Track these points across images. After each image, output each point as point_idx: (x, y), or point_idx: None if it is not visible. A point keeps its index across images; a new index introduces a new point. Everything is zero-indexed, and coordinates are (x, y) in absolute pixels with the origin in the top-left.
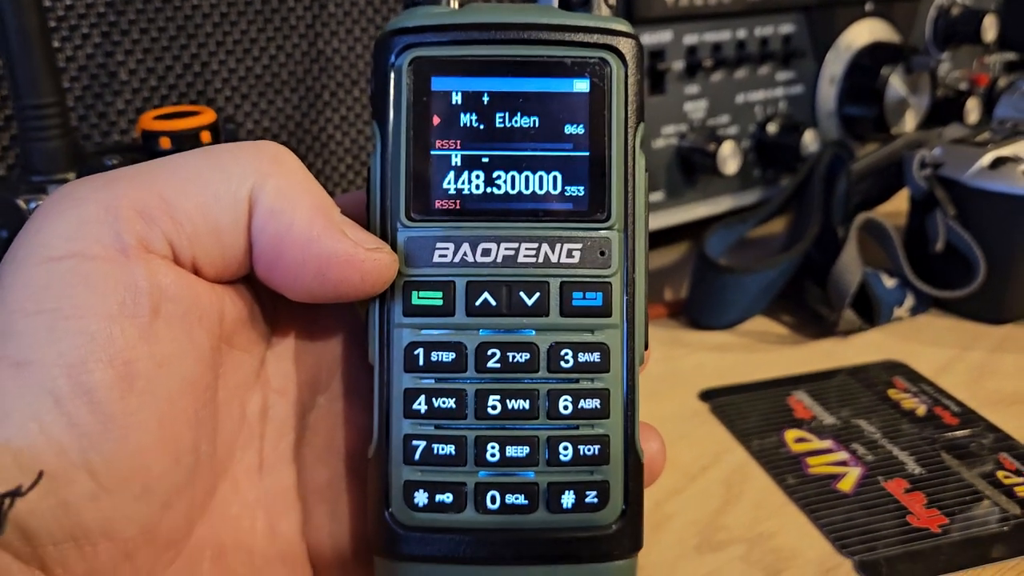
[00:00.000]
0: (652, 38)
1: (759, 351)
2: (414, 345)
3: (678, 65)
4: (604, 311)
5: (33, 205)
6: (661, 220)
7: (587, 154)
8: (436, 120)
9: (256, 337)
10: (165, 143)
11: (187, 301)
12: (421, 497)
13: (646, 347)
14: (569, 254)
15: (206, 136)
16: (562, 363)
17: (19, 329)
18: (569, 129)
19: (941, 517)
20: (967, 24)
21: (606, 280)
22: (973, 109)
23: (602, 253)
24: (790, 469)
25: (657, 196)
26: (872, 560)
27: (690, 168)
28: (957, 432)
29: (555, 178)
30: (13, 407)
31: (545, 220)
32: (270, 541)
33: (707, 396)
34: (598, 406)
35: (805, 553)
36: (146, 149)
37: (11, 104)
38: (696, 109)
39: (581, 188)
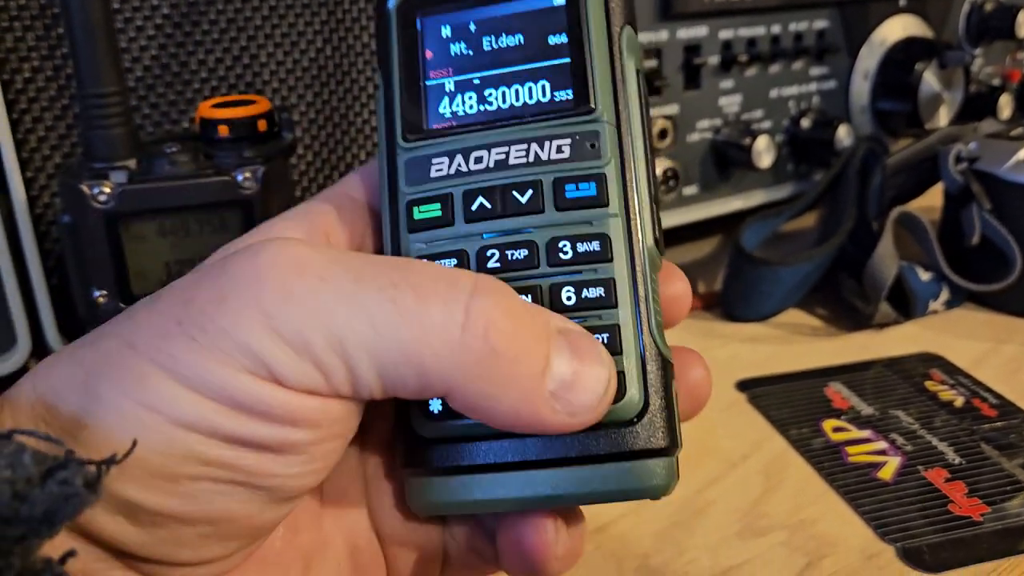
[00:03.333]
0: (688, 33)
1: (794, 343)
2: (419, 258)
3: (713, 60)
4: (599, 201)
5: (96, 191)
6: (695, 213)
7: (569, 60)
8: (429, 54)
9: None
10: (223, 131)
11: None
12: (437, 404)
13: (660, 251)
14: (559, 150)
15: (262, 124)
16: (561, 255)
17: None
18: (552, 40)
19: (983, 506)
20: (1001, 20)
21: (599, 171)
22: (1006, 105)
23: (592, 146)
24: (829, 458)
25: (692, 189)
26: (915, 547)
27: (724, 162)
28: (996, 423)
29: (543, 87)
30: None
31: (532, 121)
32: (339, 518)
33: (744, 386)
34: (602, 294)
35: (847, 540)
36: (204, 137)
37: (75, 92)
38: (731, 104)
39: (568, 91)
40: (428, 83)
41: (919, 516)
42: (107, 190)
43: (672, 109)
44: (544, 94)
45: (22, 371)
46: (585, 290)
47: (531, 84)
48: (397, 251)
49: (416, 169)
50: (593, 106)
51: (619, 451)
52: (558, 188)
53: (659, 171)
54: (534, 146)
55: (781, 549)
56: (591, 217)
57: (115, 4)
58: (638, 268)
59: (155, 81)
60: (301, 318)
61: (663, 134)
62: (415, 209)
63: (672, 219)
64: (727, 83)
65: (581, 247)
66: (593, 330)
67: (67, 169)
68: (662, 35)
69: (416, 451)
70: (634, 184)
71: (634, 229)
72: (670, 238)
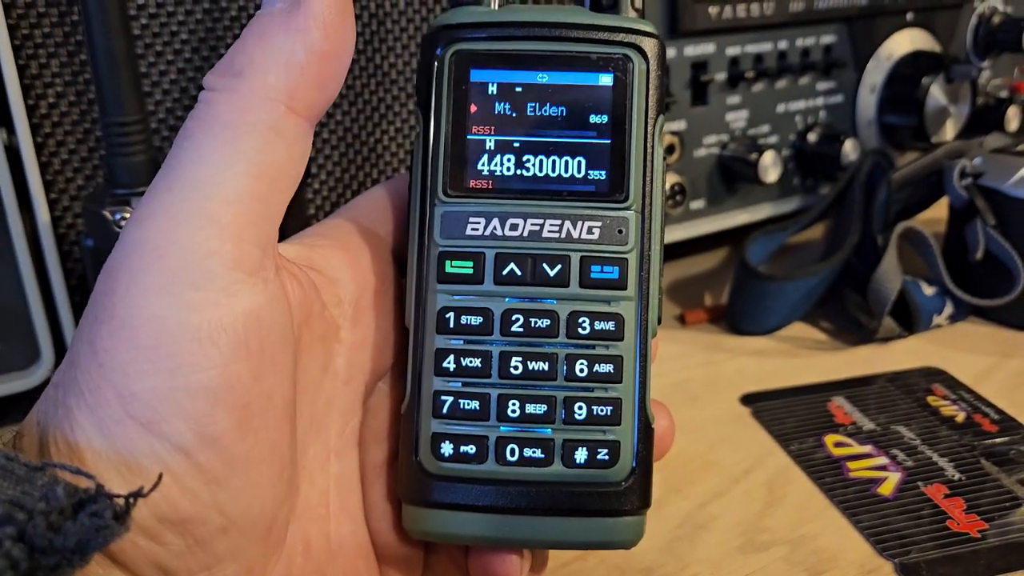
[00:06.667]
0: (695, 50)
1: (799, 357)
2: (446, 309)
3: (720, 76)
4: (620, 284)
5: (118, 216)
6: (702, 227)
7: (609, 142)
8: (473, 108)
9: (327, 333)
10: None
11: (282, 325)
12: (447, 448)
13: (659, 321)
14: (589, 231)
15: None
16: (580, 330)
17: (139, 389)
18: (594, 119)
19: (981, 522)
20: (1008, 32)
21: (623, 256)
22: (1014, 117)
23: (620, 231)
24: (830, 473)
25: (698, 204)
26: (912, 563)
27: (731, 177)
28: (996, 439)
29: (579, 163)
30: (147, 465)
31: (569, 199)
32: (342, 524)
33: (748, 400)
34: (612, 371)
35: (846, 555)
36: None
37: (98, 120)
38: (737, 119)
39: (603, 172)
40: (469, 137)
41: (918, 532)
42: (128, 216)
43: (679, 125)
44: (579, 170)
45: (46, 384)
46: (597, 365)
47: (568, 158)
48: (423, 295)
49: (452, 223)
50: (626, 194)
51: (604, 509)
52: (584, 267)
53: (666, 185)
54: (567, 223)
55: (782, 564)
56: (610, 297)
57: (136, 30)
58: (643, 347)
59: (174, 104)
60: None
61: (670, 149)
62: (448, 262)
63: (679, 233)
64: (734, 99)
65: (598, 325)
66: (599, 401)
67: (90, 195)
68: (669, 52)
69: (420, 484)
70: (649, 270)
71: (644, 311)
72: (677, 251)
